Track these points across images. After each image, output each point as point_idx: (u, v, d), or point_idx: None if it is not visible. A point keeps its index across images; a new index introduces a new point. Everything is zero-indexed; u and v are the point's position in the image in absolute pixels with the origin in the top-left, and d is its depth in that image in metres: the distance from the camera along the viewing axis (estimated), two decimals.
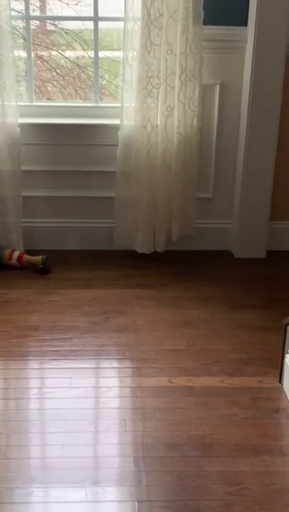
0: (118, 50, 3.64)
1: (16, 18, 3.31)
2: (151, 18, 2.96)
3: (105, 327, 2.87)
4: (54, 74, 4.60)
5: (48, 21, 4.12)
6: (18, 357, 2.66)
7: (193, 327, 2.87)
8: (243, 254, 3.47)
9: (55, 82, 4.68)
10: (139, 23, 2.99)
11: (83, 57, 4.34)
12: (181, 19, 2.98)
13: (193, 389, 2.46)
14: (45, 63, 4.45)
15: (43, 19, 3.81)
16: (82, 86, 4.59)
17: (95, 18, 3.26)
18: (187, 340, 2.77)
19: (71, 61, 4.41)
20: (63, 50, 4.31)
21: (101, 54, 3.49)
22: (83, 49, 4.31)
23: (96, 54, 3.36)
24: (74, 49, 4.22)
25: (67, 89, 4.65)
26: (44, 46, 4.31)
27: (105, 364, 2.67)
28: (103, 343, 2.74)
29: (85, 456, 2.14)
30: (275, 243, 3.49)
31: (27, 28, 3.30)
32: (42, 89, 4.30)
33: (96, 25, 3.27)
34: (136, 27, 3.01)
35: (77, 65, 4.44)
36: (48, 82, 4.57)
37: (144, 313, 2.96)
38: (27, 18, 3.28)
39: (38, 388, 2.51)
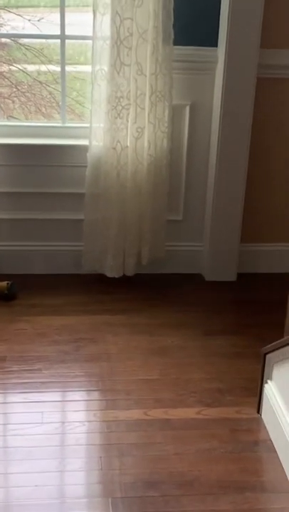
0: (83, 64, 3.56)
1: None
2: (120, 38, 2.88)
3: (76, 356, 2.75)
4: (14, 90, 4.49)
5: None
6: None
7: (166, 355, 2.78)
8: (214, 277, 3.40)
9: (15, 99, 4.57)
10: (108, 42, 2.91)
11: (45, 72, 4.25)
12: (151, 39, 2.91)
13: (170, 422, 2.36)
14: (4, 80, 4.34)
15: (7, 37, 3.71)
16: (44, 103, 4.49)
17: (62, 37, 3.17)
18: (161, 369, 2.67)
19: (33, 78, 4.31)
20: (23, 66, 4.22)
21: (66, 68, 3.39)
22: (44, 65, 4.23)
23: (63, 73, 3.27)
24: (34, 63, 4.12)
25: (28, 106, 4.55)
26: (3, 62, 4.20)
27: (77, 396, 2.55)
28: (75, 374, 2.63)
29: (59, 498, 2.03)
30: (245, 266, 3.43)
31: None
32: (2, 105, 4.19)
33: (63, 44, 3.18)
34: (105, 46, 2.93)
35: (39, 81, 4.35)
36: (7, 98, 4.46)
37: (116, 341, 2.86)
38: None
39: (4, 425, 2.37)
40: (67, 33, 3.15)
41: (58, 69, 3.67)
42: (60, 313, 3.05)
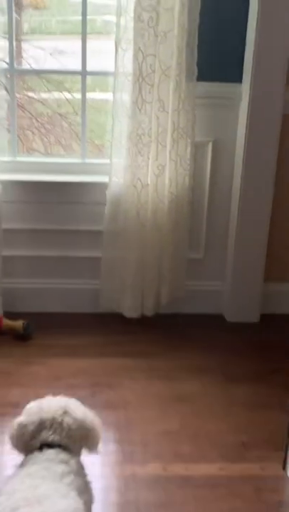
0: (105, 91, 3.49)
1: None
2: (142, 74, 2.82)
3: (92, 403, 2.58)
4: (34, 121, 4.45)
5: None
6: None
7: (186, 403, 2.66)
8: (236, 318, 3.29)
9: (35, 130, 4.53)
10: (130, 78, 2.85)
11: (64, 103, 4.20)
12: (174, 75, 2.84)
13: (190, 479, 2.24)
14: (25, 111, 4.30)
15: (29, 73, 3.67)
16: (63, 135, 4.43)
17: (83, 72, 3.11)
18: (181, 419, 2.56)
19: (53, 110, 4.27)
20: (43, 98, 4.17)
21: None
22: (64, 96, 4.18)
23: (83, 109, 3.20)
24: (54, 91, 4.06)
25: (48, 138, 4.50)
26: (23, 95, 4.16)
27: None
28: None
29: None
30: (269, 306, 3.32)
31: (11, 83, 3.14)
32: (21, 137, 4.14)
33: (84, 80, 3.13)
34: (126, 82, 2.86)
35: (59, 114, 4.30)
36: (27, 129, 4.41)
37: (134, 387, 2.74)
38: (11, 71, 3.12)
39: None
40: (88, 61, 3.09)
41: (79, 96, 3.63)
42: (76, 355, 2.94)
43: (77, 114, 3.97)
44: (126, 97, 2.89)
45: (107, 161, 3.05)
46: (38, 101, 4.11)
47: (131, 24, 2.78)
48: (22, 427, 1.79)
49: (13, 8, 3.04)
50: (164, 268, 3.15)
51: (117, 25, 2.81)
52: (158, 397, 2.69)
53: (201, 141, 3.09)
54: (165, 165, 2.98)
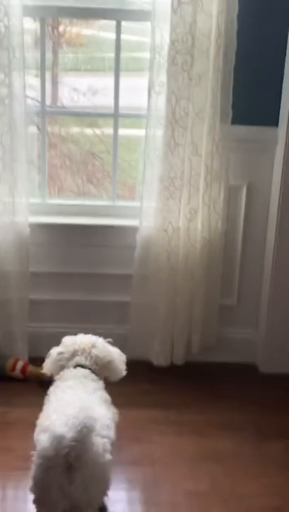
0: (136, 128, 3.45)
1: (31, 113, 3.13)
2: (176, 117, 2.75)
3: (118, 458, 2.49)
4: (66, 160, 4.42)
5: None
6: (15, 495, 2.33)
7: (218, 462, 2.52)
8: (270, 368, 3.14)
9: (67, 170, 4.49)
10: (162, 121, 2.78)
11: (97, 142, 4.16)
12: (207, 118, 2.77)
13: None
14: (56, 150, 4.27)
15: (60, 114, 3.64)
16: (97, 176, 4.39)
17: (115, 115, 3.06)
18: (212, 479, 2.42)
19: (85, 150, 4.23)
20: (75, 137, 4.14)
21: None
22: (98, 136, 4.15)
23: (115, 151, 3.15)
24: (86, 128, 4.02)
25: (80, 177, 4.45)
26: (55, 133, 4.14)
27: (118, 508, 2.31)
28: (116, 478, 2.37)
29: None
30: None
31: (42, 124, 3.11)
32: (53, 176, 4.11)
33: (116, 122, 3.08)
34: (159, 125, 2.80)
35: (92, 153, 4.26)
36: (59, 168, 4.38)
37: (162, 442, 2.62)
38: (43, 112, 3.09)
39: None
40: (122, 98, 3.07)
41: (111, 131, 3.59)
42: None
43: (109, 153, 3.93)
44: (158, 139, 2.82)
45: (138, 204, 2.98)
46: (70, 141, 4.08)
47: (164, 67, 2.72)
48: (59, 353, 2.37)
49: (46, 46, 3.03)
50: (195, 314, 3.04)
51: (150, 68, 2.76)
52: (187, 454, 2.56)
53: (235, 185, 3.00)
54: (198, 209, 2.89)
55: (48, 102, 3.26)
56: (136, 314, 3.08)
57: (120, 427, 2.67)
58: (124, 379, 3.02)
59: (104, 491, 2.01)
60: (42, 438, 1.89)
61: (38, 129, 3.48)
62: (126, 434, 2.64)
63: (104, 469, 1.93)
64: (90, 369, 2.28)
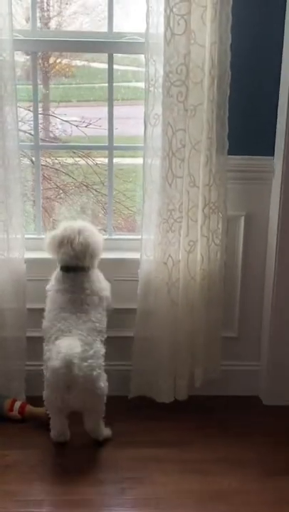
0: (129, 157, 3.44)
1: (24, 148, 3.10)
2: (172, 149, 2.72)
3: (121, 501, 2.44)
4: (60, 192, 4.38)
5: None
6: None
7: (224, 501, 2.44)
8: (274, 401, 3.08)
9: (61, 201, 4.46)
10: (159, 153, 2.75)
11: (91, 173, 4.13)
12: (204, 150, 2.74)
13: None
14: (50, 182, 4.24)
15: (54, 148, 3.62)
16: (91, 207, 4.35)
17: (110, 147, 3.03)
18: None
19: (79, 182, 4.20)
20: (69, 168, 4.11)
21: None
22: (92, 167, 4.12)
23: (110, 184, 3.12)
24: (79, 158, 3.99)
25: (74, 208, 4.42)
26: (50, 167, 4.11)
27: None
28: None
29: None
30: None
31: (36, 158, 3.07)
32: (48, 208, 4.07)
33: (111, 154, 3.05)
34: (156, 158, 2.77)
35: (85, 185, 4.23)
36: (54, 200, 4.34)
37: (166, 482, 2.54)
38: (37, 147, 3.06)
39: None
40: (116, 125, 3.05)
41: (104, 160, 3.56)
42: (103, 445, 2.74)
43: (103, 184, 3.90)
44: (155, 171, 2.79)
45: (135, 236, 2.95)
46: (64, 173, 4.04)
47: (159, 98, 2.70)
48: (53, 237, 2.78)
49: (38, 80, 3.00)
50: (197, 348, 2.97)
51: (146, 99, 2.74)
52: (192, 494, 2.48)
53: (233, 215, 2.97)
54: (196, 241, 2.85)
55: (42, 134, 3.23)
56: (138, 350, 3.01)
57: (123, 468, 2.62)
58: (125, 417, 2.96)
59: (99, 398, 2.62)
60: (47, 369, 2.59)
61: (32, 161, 3.45)
62: (128, 475, 2.58)
63: (94, 382, 2.57)
64: (72, 269, 2.74)
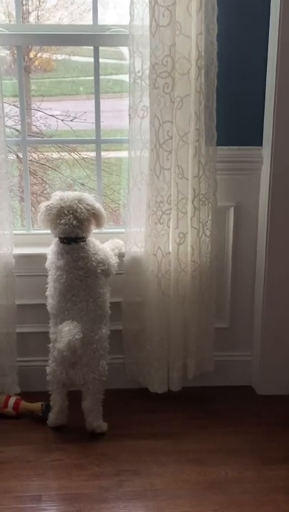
0: (115, 150, 3.42)
1: (10, 143, 3.07)
2: (160, 141, 2.71)
3: (118, 494, 2.44)
4: (46, 187, 4.36)
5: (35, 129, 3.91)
6: None
7: (220, 490, 2.45)
8: (267, 390, 3.09)
9: (47, 195, 4.43)
10: (147, 145, 2.74)
11: (77, 165, 4.11)
12: (192, 141, 2.74)
13: None
14: (36, 177, 4.21)
15: (41, 143, 3.60)
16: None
17: (98, 141, 3.02)
18: (215, 509, 2.34)
19: (66, 176, 4.18)
20: (55, 162, 4.09)
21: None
22: (78, 162, 4.10)
23: (99, 178, 3.11)
24: (65, 152, 3.97)
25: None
26: (36, 162, 4.09)
27: None
28: None
29: None
30: None
31: (23, 153, 3.05)
32: (34, 204, 4.04)
33: (98, 148, 3.03)
34: (144, 150, 2.76)
35: (72, 179, 4.21)
36: (41, 195, 4.32)
37: (162, 473, 2.54)
38: (24, 142, 3.03)
39: None
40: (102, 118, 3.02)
41: (89, 154, 3.54)
42: (98, 439, 2.75)
43: (90, 178, 3.88)
44: (143, 164, 2.79)
45: (122, 229, 2.95)
46: (51, 167, 4.02)
47: (147, 91, 2.69)
48: (48, 207, 2.72)
49: (23, 74, 2.98)
50: (189, 340, 2.98)
51: (131, 92, 2.73)
52: (189, 484, 2.49)
53: (222, 206, 2.97)
54: (186, 232, 2.85)
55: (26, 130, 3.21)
56: (129, 341, 3.02)
57: (119, 460, 2.62)
58: (120, 410, 2.97)
59: (100, 375, 2.70)
60: (54, 348, 2.69)
61: (17, 157, 3.43)
62: (124, 467, 2.58)
63: (97, 360, 2.68)
64: (73, 240, 2.69)
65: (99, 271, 2.72)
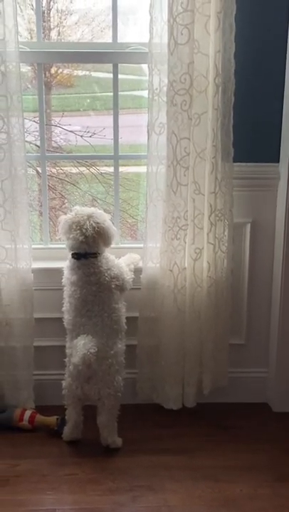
0: (132, 165, 3.45)
1: (31, 158, 3.12)
2: (177, 158, 2.74)
3: (132, 509, 2.44)
4: (65, 201, 4.40)
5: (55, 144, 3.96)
6: None
7: (235, 507, 2.44)
8: (283, 407, 3.08)
9: (65, 210, 4.47)
10: (164, 161, 2.77)
11: (96, 183, 4.15)
12: (209, 158, 2.75)
13: None
14: (56, 192, 4.26)
15: (60, 158, 3.63)
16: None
17: (116, 156, 3.05)
18: None
19: (84, 191, 4.22)
20: (74, 178, 4.13)
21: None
22: (96, 177, 4.14)
23: (116, 194, 3.13)
24: (84, 167, 4.01)
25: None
26: (55, 177, 4.13)
27: None
28: None
29: None
30: None
31: (43, 169, 3.08)
32: (53, 218, 4.08)
33: (116, 163, 3.06)
34: (160, 166, 2.79)
35: (91, 195, 4.25)
36: (59, 210, 4.36)
37: (177, 490, 2.54)
38: (43, 158, 3.08)
39: None
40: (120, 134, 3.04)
41: (108, 169, 3.57)
42: (113, 454, 2.75)
43: (108, 193, 3.92)
44: (160, 180, 2.81)
45: (140, 245, 2.96)
46: (69, 182, 4.06)
47: (163, 107, 2.72)
48: (65, 221, 2.77)
49: (44, 91, 3.02)
50: (205, 356, 2.98)
51: (149, 108, 2.76)
52: (203, 500, 2.48)
53: (239, 222, 2.98)
54: (202, 248, 2.86)
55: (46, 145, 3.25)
56: (143, 357, 3.02)
57: (133, 476, 2.62)
58: (134, 425, 2.97)
59: (114, 390, 2.70)
60: (69, 362, 2.70)
61: (37, 172, 3.46)
62: (139, 483, 2.58)
63: (112, 376, 2.68)
64: (83, 256, 2.72)
65: (113, 286, 2.74)
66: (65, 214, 2.87)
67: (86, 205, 2.96)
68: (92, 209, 2.80)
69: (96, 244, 2.74)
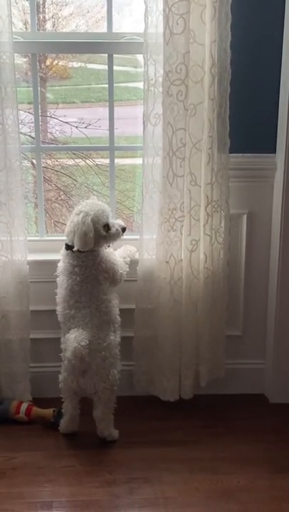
0: (128, 157, 3.43)
1: (26, 150, 3.10)
2: (173, 149, 2.72)
3: (129, 501, 2.44)
4: (61, 193, 4.38)
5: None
6: None
7: (232, 499, 2.44)
8: (280, 398, 3.08)
9: (61, 202, 4.46)
10: (160, 152, 2.75)
11: (91, 171, 4.13)
12: (205, 148, 2.74)
13: None
14: (51, 184, 4.24)
15: (55, 150, 3.61)
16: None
17: (111, 148, 3.03)
18: None
19: (80, 182, 4.20)
20: (69, 169, 4.11)
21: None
22: (92, 168, 4.12)
23: (112, 185, 3.11)
24: (79, 159, 3.99)
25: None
26: (50, 168, 4.11)
27: None
28: None
29: None
30: None
31: (38, 160, 3.07)
32: (48, 210, 4.07)
33: (112, 155, 3.05)
34: (156, 157, 2.77)
35: (86, 186, 4.23)
36: (55, 202, 4.34)
37: (174, 481, 2.54)
38: (38, 149, 3.06)
39: None
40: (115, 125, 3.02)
41: (103, 161, 3.54)
42: (110, 446, 2.74)
43: (104, 184, 3.90)
44: (156, 171, 2.79)
45: (137, 236, 2.95)
46: (65, 174, 4.04)
47: (160, 99, 2.70)
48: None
49: (39, 82, 3.00)
50: (201, 347, 2.97)
51: (145, 99, 2.74)
52: (201, 492, 2.48)
53: (236, 214, 2.96)
54: (199, 240, 2.85)
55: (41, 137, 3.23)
56: (140, 349, 3.01)
57: (130, 468, 2.62)
58: (131, 417, 2.96)
59: (110, 383, 2.69)
60: (64, 357, 2.68)
61: (32, 163, 3.44)
62: (136, 475, 2.58)
63: (107, 369, 2.67)
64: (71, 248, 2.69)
65: (100, 278, 2.73)
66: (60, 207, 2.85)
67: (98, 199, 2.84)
68: (89, 209, 2.67)
69: (91, 246, 2.68)
